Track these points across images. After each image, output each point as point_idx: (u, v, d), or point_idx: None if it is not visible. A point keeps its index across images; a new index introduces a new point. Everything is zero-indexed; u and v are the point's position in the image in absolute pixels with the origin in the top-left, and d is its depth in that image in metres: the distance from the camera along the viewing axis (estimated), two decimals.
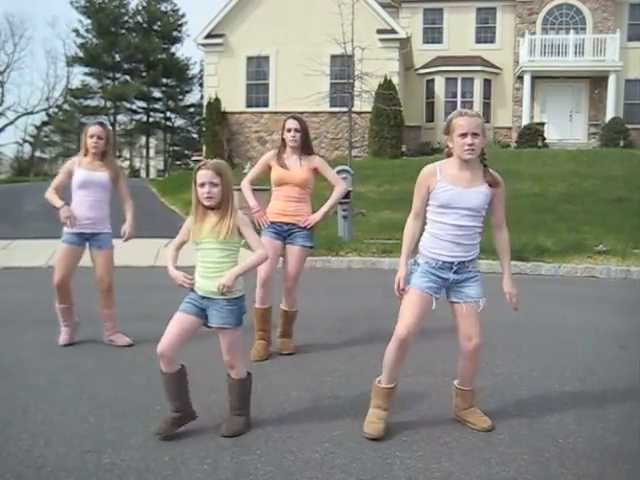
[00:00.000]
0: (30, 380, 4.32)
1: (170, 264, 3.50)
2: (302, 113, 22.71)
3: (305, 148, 5.08)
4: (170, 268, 3.48)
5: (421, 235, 3.59)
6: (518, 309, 3.59)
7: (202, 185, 3.32)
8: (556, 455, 3.19)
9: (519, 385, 4.24)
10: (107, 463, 3.08)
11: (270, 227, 5.02)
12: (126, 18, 47.75)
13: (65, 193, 5.25)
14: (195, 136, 47.95)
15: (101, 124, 5.35)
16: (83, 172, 5.17)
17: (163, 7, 48.33)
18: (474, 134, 3.33)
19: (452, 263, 3.44)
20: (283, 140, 5.07)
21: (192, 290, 3.45)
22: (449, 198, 3.39)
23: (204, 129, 24.98)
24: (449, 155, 3.49)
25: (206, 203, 3.36)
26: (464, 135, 3.33)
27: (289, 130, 5.01)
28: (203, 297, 3.41)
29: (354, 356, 4.98)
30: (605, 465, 3.11)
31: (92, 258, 5.29)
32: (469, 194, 3.40)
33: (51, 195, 5.22)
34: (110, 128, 5.55)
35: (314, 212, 5.07)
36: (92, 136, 5.16)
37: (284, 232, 5.03)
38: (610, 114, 24.32)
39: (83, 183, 5.16)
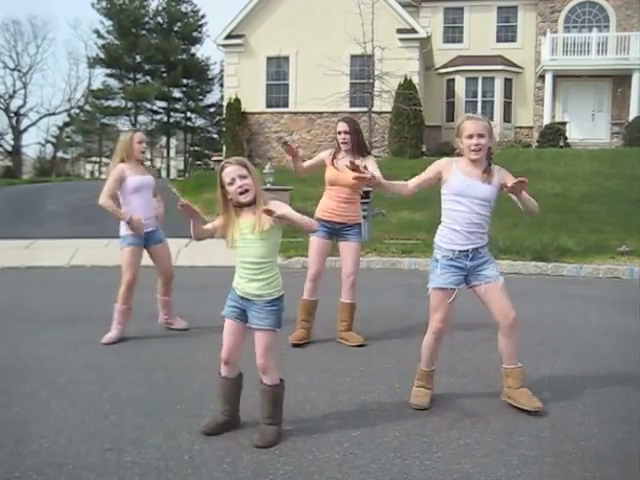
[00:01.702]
0: (52, 379, 4.36)
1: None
2: (322, 113, 22.89)
3: (359, 149, 5.26)
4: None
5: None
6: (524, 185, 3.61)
7: (232, 183, 3.22)
8: (578, 458, 3.16)
9: (540, 386, 4.19)
10: (127, 461, 3.10)
11: (321, 226, 5.15)
12: (147, 19, 48.02)
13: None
14: (215, 136, 48.14)
15: (145, 133, 5.74)
16: (137, 177, 5.44)
17: (183, 8, 48.53)
18: (480, 135, 3.66)
19: (467, 251, 3.74)
20: (338, 141, 5.32)
21: (232, 288, 3.40)
22: (464, 187, 3.71)
23: (224, 129, 25.08)
24: (460, 155, 3.82)
25: (243, 199, 3.23)
26: (470, 137, 3.67)
27: (339, 133, 5.26)
28: (242, 297, 3.34)
29: (373, 356, 4.97)
30: (628, 469, 3.07)
31: (152, 254, 5.65)
32: (482, 186, 3.71)
33: (112, 207, 5.42)
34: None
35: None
36: (140, 142, 5.45)
37: (335, 231, 5.31)
38: (634, 113, 24.01)
39: (138, 187, 5.43)
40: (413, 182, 3.94)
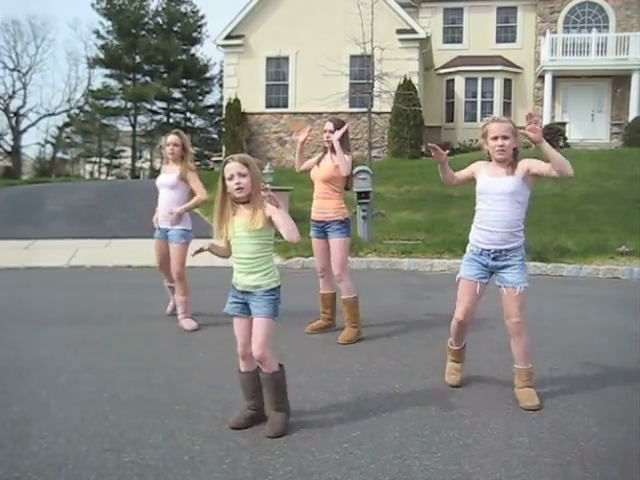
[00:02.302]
0: (51, 379, 4.36)
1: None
2: (321, 114, 22.85)
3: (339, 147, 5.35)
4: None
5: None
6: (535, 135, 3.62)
7: (231, 178, 3.35)
8: (578, 458, 3.16)
9: (540, 386, 4.19)
10: (127, 461, 3.10)
11: (313, 226, 5.49)
12: (146, 20, 47.96)
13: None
14: (215, 137, 48.10)
15: (177, 133, 6.03)
16: (161, 176, 6.05)
17: (183, 8, 48.49)
18: (504, 137, 3.78)
19: (489, 250, 3.87)
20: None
21: (232, 286, 3.51)
22: (484, 184, 3.87)
23: (224, 130, 25.07)
24: (490, 159, 3.94)
25: (237, 195, 3.37)
26: (495, 138, 3.79)
27: (324, 131, 5.49)
28: (242, 291, 3.46)
29: (373, 357, 4.97)
30: (628, 469, 3.07)
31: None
32: (503, 180, 3.81)
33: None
34: (185, 136, 6.12)
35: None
36: (169, 144, 5.90)
37: (321, 229, 5.47)
38: (633, 113, 24.01)
39: (159, 185, 6.02)
40: (457, 175, 4.13)
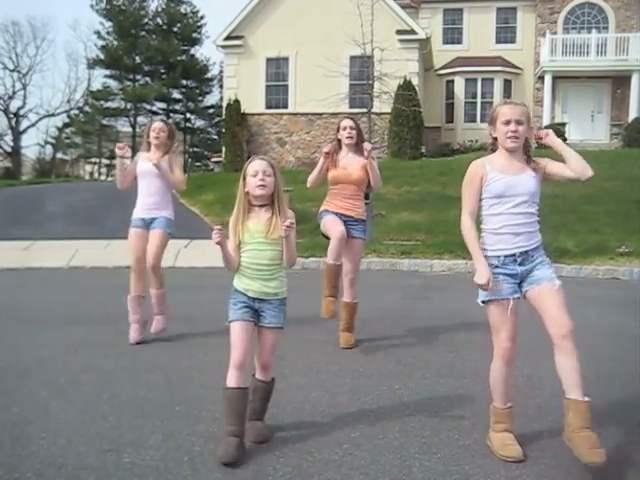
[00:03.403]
0: (51, 380, 4.36)
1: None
2: (321, 114, 22.87)
3: (359, 146, 5.25)
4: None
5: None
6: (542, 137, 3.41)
7: (255, 175, 3.26)
8: (578, 459, 3.15)
9: (540, 387, 4.20)
10: (127, 462, 3.10)
11: (331, 212, 5.24)
12: (146, 20, 48.00)
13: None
14: (215, 137, 48.10)
15: (163, 121, 5.71)
16: (142, 164, 5.50)
17: (182, 9, 48.52)
18: (518, 122, 3.25)
19: (514, 255, 3.28)
20: (339, 141, 5.34)
21: (237, 291, 3.33)
22: (503, 187, 3.27)
23: (224, 130, 25.05)
24: (494, 150, 3.40)
25: (257, 192, 3.26)
26: (507, 122, 3.26)
27: (344, 128, 5.29)
28: (255, 299, 3.31)
29: (373, 358, 4.97)
30: (629, 471, 3.07)
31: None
32: (521, 180, 3.30)
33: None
34: (173, 126, 5.81)
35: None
36: (154, 129, 5.47)
37: (346, 223, 5.21)
38: (633, 114, 24.00)
39: (141, 174, 5.51)
40: (470, 215, 3.35)
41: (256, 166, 3.28)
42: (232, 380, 3.20)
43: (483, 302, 3.29)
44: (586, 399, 3.05)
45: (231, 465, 3.04)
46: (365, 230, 5.38)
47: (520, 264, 3.27)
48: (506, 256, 3.27)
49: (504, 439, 3.22)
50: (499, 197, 3.28)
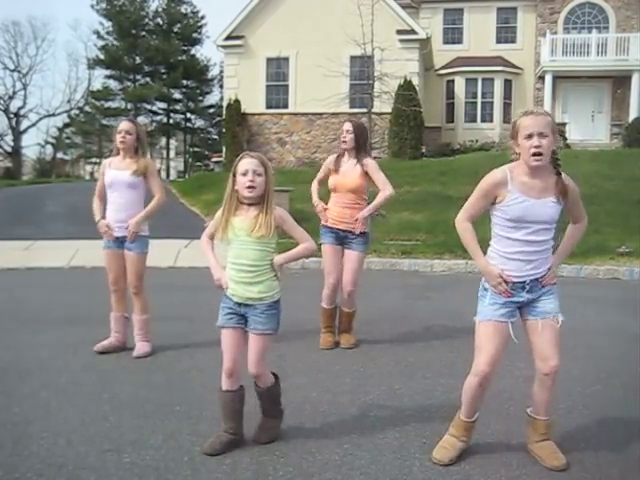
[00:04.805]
0: (51, 380, 4.36)
1: (211, 257, 3.33)
2: (322, 114, 22.87)
3: (357, 150, 5.19)
4: (212, 262, 3.31)
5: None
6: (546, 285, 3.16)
7: (245, 173, 3.11)
8: (578, 459, 3.16)
9: None
10: (127, 462, 3.10)
11: (329, 232, 5.20)
12: (146, 20, 48.00)
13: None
14: (215, 137, 48.14)
15: (130, 120, 5.15)
16: (111, 172, 4.99)
17: (183, 9, 48.53)
18: (541, 134, 2.93)
19: (524, 282, 3.08)
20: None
21: (225, 295, 3.27)
22: (522, 212, 3.00)
23: (224, 130, 25.05)
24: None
25: (247, 193, 3.11)
26: (530, 136, 2.94)
27: (342, 131, 5.25)
28: (240, 304, 3.21)
29: (373, 358, 4.97)
30: (628, 470, 3.07)
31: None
32: (541, 206, 3.01)
33: (95, 206, 5.17)
34: (142, 124, 5.32)
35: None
36: (120, 131, 4.93)
37: (340, 238, 5.19)
38: (634, 114, 23.98)
39: (111, 184, 4.99)
40: (470, 218, 3.15)
41: (246, 164, 3.13)
42: (223, 383, 3.27)
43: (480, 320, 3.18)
44: (546, 418, 3.19)
45: (210, 456, 3.14)
46: (366, 242, 5.25)
47: (528, 291, 3.11)
48: (514, 282, 3.09)
49: (445, 442, 3.21)
50: (516, 222, 3.03)
